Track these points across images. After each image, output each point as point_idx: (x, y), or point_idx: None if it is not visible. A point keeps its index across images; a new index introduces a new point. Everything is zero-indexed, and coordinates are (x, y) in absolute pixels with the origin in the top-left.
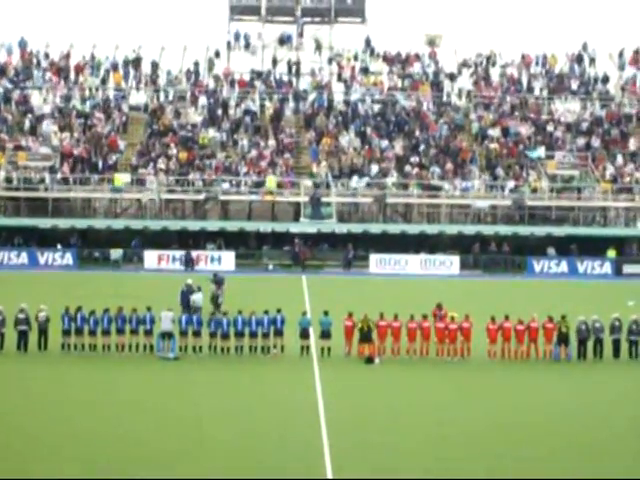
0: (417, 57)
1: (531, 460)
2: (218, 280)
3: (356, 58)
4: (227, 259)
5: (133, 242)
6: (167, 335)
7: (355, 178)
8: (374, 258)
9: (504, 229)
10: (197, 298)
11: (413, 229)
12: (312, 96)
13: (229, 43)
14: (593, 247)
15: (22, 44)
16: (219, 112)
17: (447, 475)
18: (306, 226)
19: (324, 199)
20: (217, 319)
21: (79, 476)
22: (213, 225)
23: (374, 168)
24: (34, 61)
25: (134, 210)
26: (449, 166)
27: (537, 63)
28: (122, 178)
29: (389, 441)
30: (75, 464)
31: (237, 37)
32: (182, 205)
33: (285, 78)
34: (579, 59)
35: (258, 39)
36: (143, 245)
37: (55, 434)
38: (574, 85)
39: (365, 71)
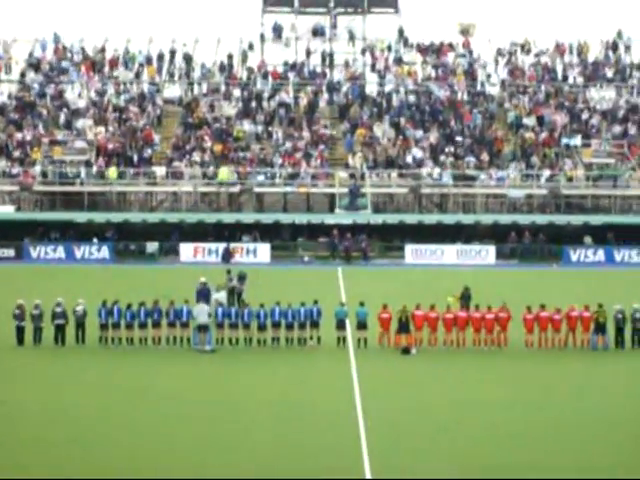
0: (451, 47)
1: (569, 451)
2: (241, 276)
3: (390, 48)
4: (263, 251)
5: (173, 236)
6: (203, 328)
7: (437, 169)
8: (409, 248)
9: (540, 218)
10: (220, 297)
11: (448, 219)
12: (346, 87)
13: (262, 35)
14: (630, 235)
15: (56, 39)
16: (253, 104)
17: (485, 465)
18: (341, 217)
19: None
20: (253, 311)
21: (117, 470)
22: (248, 217)
23: (409, 158)
24: (68, 56)
25: (170, 203)
26: (484, 156)
27: (571, 51)
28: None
29: (426, 432)
30: (111, 457)
31: (275, 29)
32: (217, 198)
33: (319, 69)
34: (614, 46)
35: (291, 31)
36: (179, 238)
37: (93, 426)
38: (609, 73)
39: (399, 61)
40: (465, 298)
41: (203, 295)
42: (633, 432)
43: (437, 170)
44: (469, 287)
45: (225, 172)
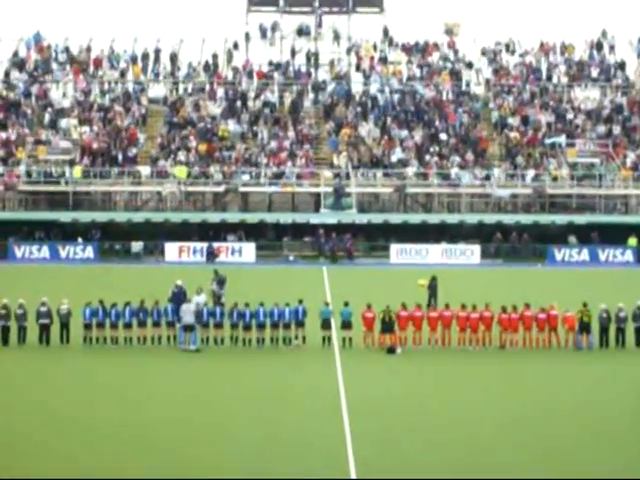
0: (436, 46)
1: (553, 451)
2: (220, 279)
3: (375, 48)
4: (248, 251)
5: (158, 236)
6: (188, 328)
7: (455, 169)
8: (395, 248)
9: (525, 218)
10: (200, 300)
11: (433, 219)
12: (331, 87)
13: (247, 34)
14: (614, 235)
15: (37, 38)
16: (238, 104)
17: (470, 465)
18: (326, 217)
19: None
20: (239, 310)
21: (100, 469)
22: (233, 217)
23: (394, 158)
24: (52, 55)
25: (154, 203)
26: (469, 155)
27: (556, 51)
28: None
29: (412, 431)
30: (97, 457)
31: (262, 28)
32: (202, 197)
33: (304, 69)
34: (598, 46)
35: (276, 30)
36: (164, 238)
37: (78, 426)
38: (594, 73)
39: (384, 61)
40: (432, 288)
41: (178, 298)
42: (618, 430)
43: (455, 170)
44: (436, 277)
45: (183, 171)
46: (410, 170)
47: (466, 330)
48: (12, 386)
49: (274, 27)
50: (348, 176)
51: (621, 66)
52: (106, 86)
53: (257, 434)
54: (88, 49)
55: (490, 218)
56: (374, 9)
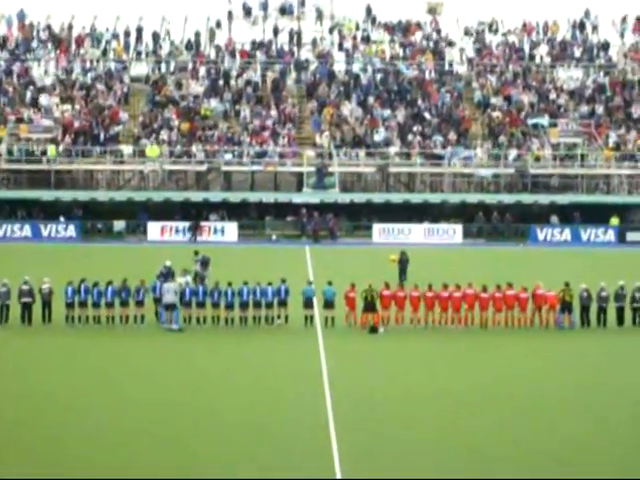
0: (418, 25)
1: (535, 430)
2: (203, 261)
3: (357, 27)
4: (230, 230)
5: (140, 214)
6: (170, 307)
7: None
8: (377, 228)
9: (507, 197)
10: (184, 282)
11: (416, 198)
12: (314, 66)
13: (230, 13)
14: (596, 215)
15: (21, 16)
16: (221, 83)
17: (452, 445)
18: (309, 196)
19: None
20: (221, 290)
21: (82, 451)
22: (216, 196)
23: (377, 137)
24: (34, 33)
25: (137, 182)
26: (452, 135)
27: (539, 31)
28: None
29: (393, 410)
30: (76, 439)
31: (244, 7)
32: (185, 176)
33: (286, 48)
34: (581, 26)
35: (259, 9)
36: (147, 217)
37: (58, 406)
38: (577, 52)
39: (367, 40)
40: (402, 262)
41: (165, 278)
42: (597, 409)
43: (449, 149)
44: (406, 252)
45: (154, 150)
46: (393, 149)
47: (448, 309)
48: None
49: (259, 6)
50: (331, 155)
51: (604, 46)
52: (88, 64)
53: (239, 417)
54: (70, 27)
55: (472, 198)
56: None
